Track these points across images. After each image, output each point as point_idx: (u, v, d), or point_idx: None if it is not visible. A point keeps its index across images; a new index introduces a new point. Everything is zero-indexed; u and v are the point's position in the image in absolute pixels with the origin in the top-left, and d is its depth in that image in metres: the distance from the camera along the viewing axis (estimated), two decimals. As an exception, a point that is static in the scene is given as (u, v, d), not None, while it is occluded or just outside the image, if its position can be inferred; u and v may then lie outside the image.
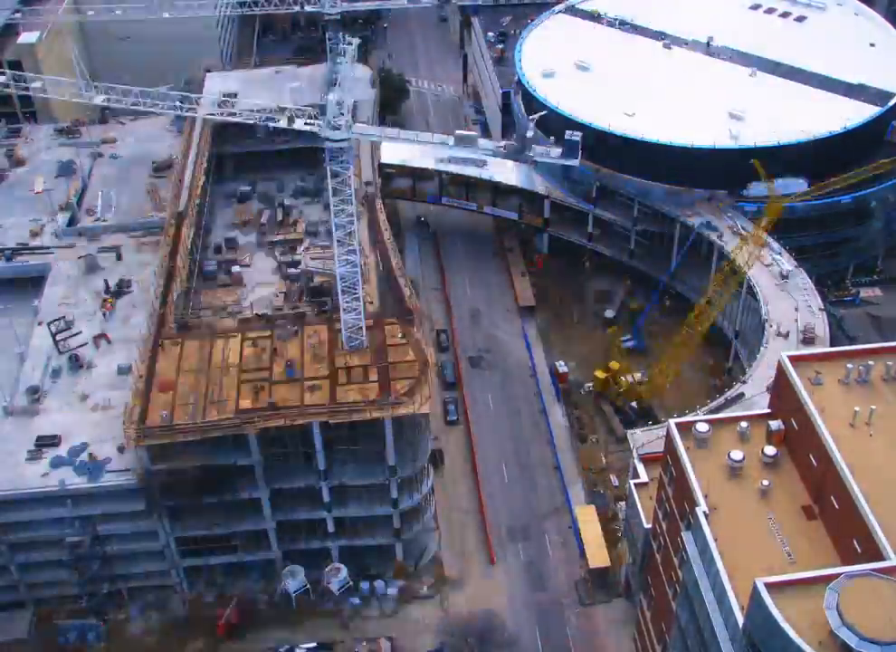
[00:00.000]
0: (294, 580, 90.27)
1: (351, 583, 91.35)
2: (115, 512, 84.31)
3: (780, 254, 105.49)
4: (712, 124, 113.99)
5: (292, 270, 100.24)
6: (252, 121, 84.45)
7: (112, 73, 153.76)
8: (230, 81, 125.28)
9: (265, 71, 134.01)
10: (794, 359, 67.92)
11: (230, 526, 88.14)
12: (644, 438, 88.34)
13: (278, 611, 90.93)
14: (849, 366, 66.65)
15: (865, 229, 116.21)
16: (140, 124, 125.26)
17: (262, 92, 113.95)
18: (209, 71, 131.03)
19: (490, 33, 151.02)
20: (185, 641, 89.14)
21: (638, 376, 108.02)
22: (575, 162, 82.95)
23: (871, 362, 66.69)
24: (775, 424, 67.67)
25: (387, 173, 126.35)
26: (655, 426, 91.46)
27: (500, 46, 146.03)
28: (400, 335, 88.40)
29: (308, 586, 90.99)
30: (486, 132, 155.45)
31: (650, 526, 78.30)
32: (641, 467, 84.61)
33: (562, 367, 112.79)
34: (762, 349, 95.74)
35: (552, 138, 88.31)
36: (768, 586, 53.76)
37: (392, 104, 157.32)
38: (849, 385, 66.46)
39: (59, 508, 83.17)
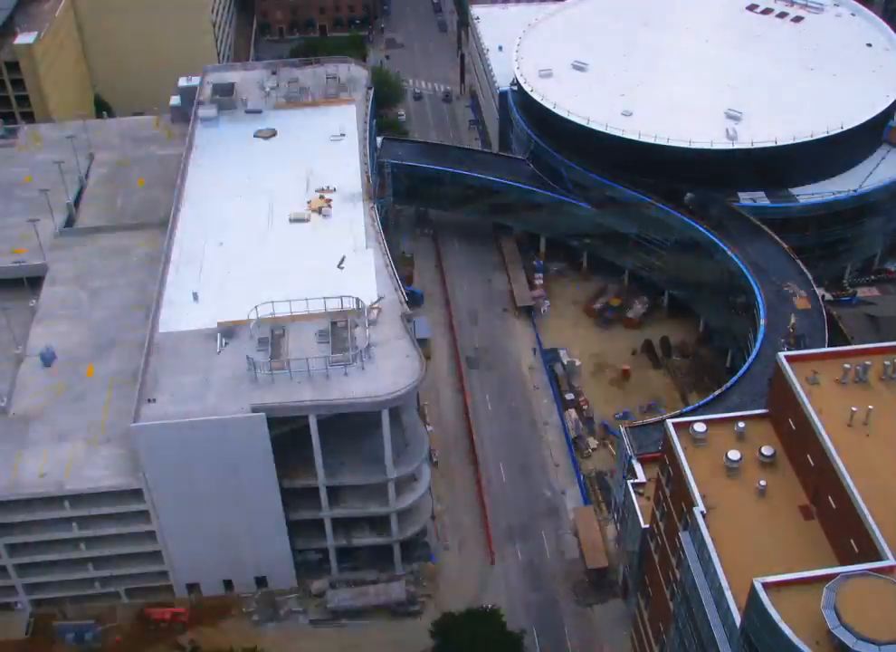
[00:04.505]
0: None
1: None
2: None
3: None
4: (709, 124, 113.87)
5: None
6: None
7: (111, 74, 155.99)
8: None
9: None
10: (791, 359, 67.85)
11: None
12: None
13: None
14: (846, 366, 66.68)
15: (864, 229, 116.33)
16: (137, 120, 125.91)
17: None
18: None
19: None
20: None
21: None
22: None
23: (868, 362, 66.71)
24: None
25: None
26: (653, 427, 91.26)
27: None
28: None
29: None
30: (483, 132, 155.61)
31: (647, 526, 78.30)
32: (638, 467, 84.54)
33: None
34: (756, 347, 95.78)
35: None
36: (766, 586, 53.82)
37: (388, 104, 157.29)
38: (846, 385, 66.50)
39: (57, 508, 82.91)
